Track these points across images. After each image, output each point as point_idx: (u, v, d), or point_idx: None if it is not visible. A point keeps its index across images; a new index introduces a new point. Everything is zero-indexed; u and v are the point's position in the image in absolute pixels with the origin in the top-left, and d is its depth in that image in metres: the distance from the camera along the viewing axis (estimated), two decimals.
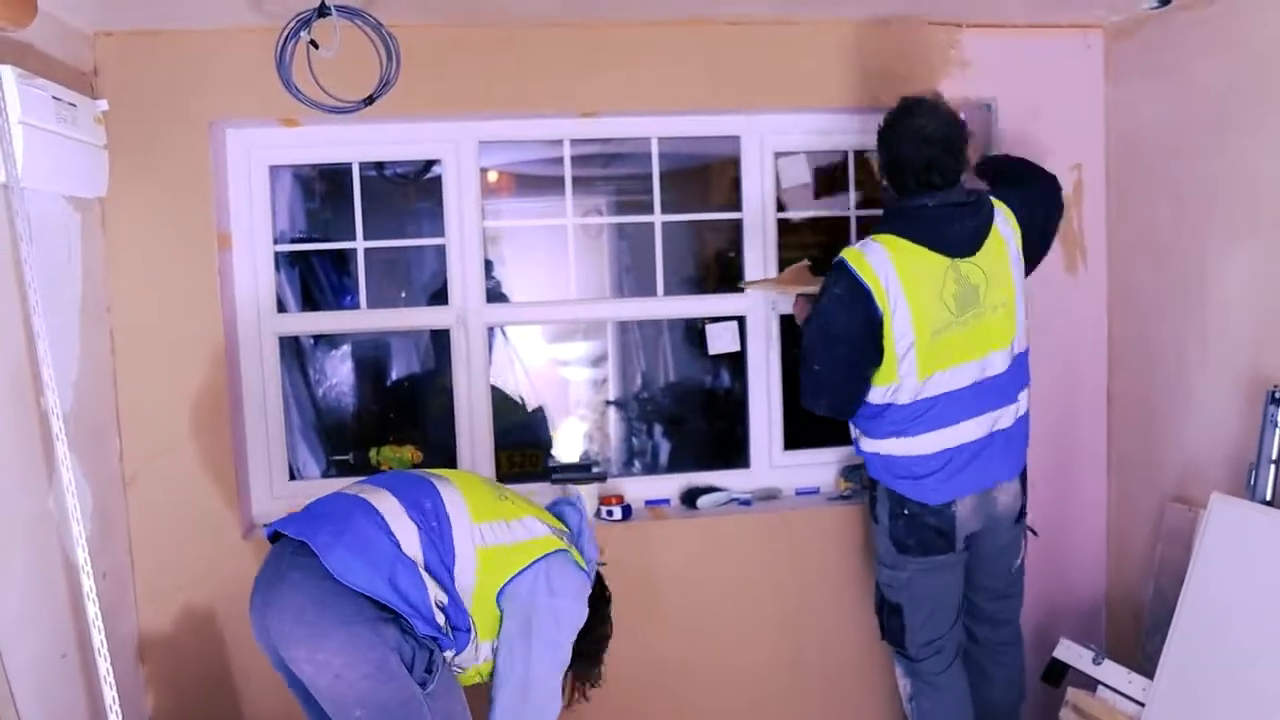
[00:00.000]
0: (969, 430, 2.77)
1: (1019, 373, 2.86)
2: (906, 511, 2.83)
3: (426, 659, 2.31)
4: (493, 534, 2.44)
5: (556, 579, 2.45)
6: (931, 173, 2.68)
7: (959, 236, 2.71)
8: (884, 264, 2.66)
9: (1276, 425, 2.62)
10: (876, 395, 2.76)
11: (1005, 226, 2.80)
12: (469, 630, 2.41)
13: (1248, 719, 2.47)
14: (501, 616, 2.45)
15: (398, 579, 2.26)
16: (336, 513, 2.37)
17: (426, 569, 2.32)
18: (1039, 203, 2.95)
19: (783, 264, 3.53)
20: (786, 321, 3.52)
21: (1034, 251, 2.92)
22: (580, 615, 2.52)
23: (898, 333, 2.66)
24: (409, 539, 2.33)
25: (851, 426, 2.95)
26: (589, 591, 2.56)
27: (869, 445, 2.87)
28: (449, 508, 2.43)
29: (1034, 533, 3.10)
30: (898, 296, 2.64)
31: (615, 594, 2.74)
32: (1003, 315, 2.77)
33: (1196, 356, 3.05)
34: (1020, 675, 3.12)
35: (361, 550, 2.26)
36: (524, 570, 2.42)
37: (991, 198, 2.83)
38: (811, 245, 3.76)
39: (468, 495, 2.48)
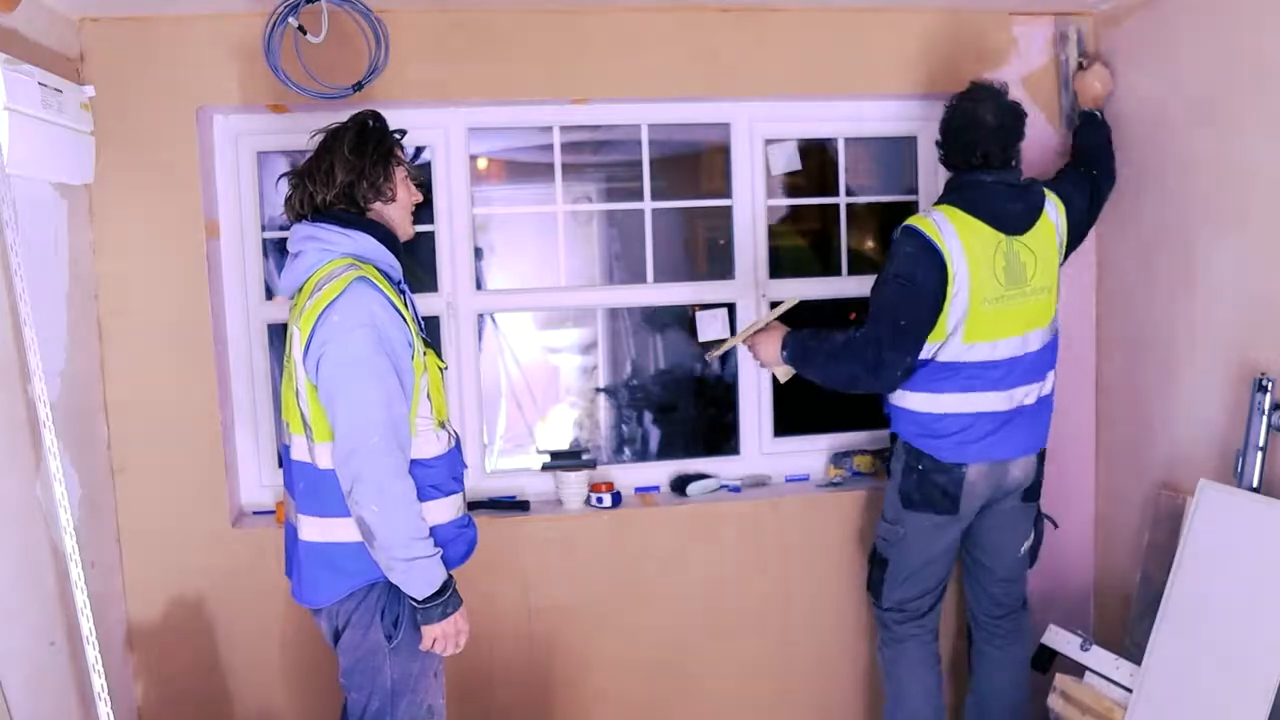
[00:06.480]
0: (996, 401, 2.85)
1: (1050, 354, 2.96)
2: (921, 466, 2.90)
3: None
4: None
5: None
6: (976, 156, 2.80)
7: (1011, 214, 2.81)
8: (947, 228, 2.75)
9: (1263, 412, 2.64)
10: (923, 350, 2.84)
11: (1055, 213, 2.92)
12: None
13: (1235, 704, 2.49)
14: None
15: None
16: None
17: None
18: (1083, 189, 3.09)
19: (773, 250, 3.54)
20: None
21: (1073, 234, 3.04)
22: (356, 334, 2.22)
23: (955, 291, 2.75)
24: None
25: None
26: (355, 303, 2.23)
27: (899, 398, 2.93)
28: None
29: (1054, 524, 3.18)
30: (959, 259, 2.73)
31: (606, 580, 2.71)
32: (1045, 299, 2.88)
33: (1185, 344, 3.06)
34: (1025, 669, 3.15)
35: None
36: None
37: (1044, 187, 2.93)
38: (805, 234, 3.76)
39: None
